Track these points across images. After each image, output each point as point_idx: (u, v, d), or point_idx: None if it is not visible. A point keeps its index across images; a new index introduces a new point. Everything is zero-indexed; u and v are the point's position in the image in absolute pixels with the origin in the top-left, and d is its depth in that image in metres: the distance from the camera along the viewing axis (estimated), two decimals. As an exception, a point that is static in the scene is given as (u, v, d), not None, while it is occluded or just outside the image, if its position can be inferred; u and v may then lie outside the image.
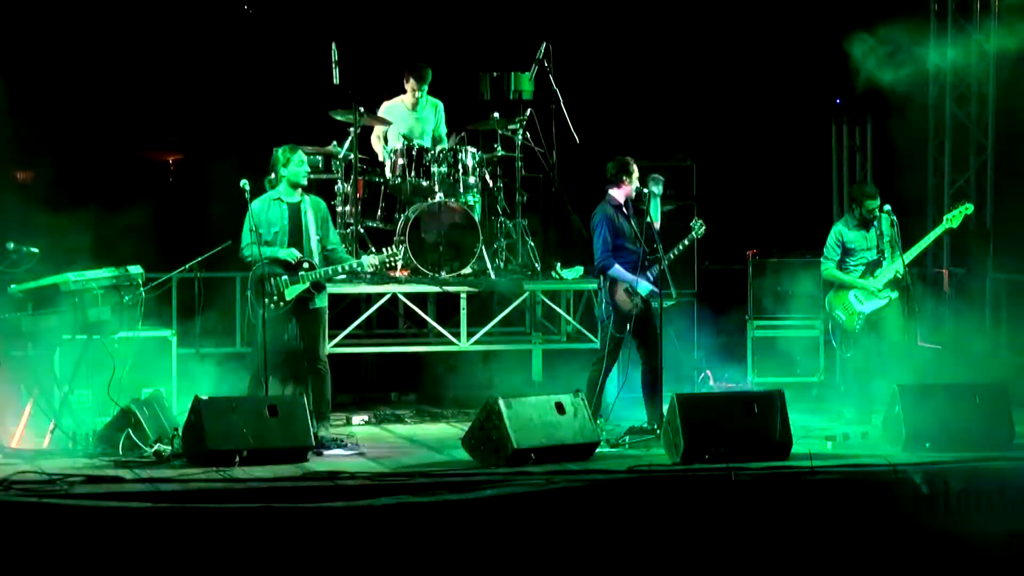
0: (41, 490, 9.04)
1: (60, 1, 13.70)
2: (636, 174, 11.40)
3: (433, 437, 11.60)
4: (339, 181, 12.96)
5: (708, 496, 9.48)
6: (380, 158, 13.23)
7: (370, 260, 11.37)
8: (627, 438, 11.06)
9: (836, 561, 9.33)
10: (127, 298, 11.06)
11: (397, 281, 12.66)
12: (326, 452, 10.62)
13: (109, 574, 8.56)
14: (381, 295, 12.61)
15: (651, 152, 13.60)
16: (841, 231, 12.18)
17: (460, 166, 12.87)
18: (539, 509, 9.19)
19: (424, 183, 12.84)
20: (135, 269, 11.29)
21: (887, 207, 11.96)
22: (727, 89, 14.62)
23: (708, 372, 13.37)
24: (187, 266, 11.69)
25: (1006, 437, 10.59)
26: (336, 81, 12.78)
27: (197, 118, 13.90)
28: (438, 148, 13.01)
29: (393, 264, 12.01)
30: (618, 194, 11.43)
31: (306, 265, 11.03)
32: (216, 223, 12.38)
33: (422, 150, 12.92)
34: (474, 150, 13.03)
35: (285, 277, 11.03)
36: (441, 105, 13.40)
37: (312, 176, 12.81)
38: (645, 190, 11.44)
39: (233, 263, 11.58)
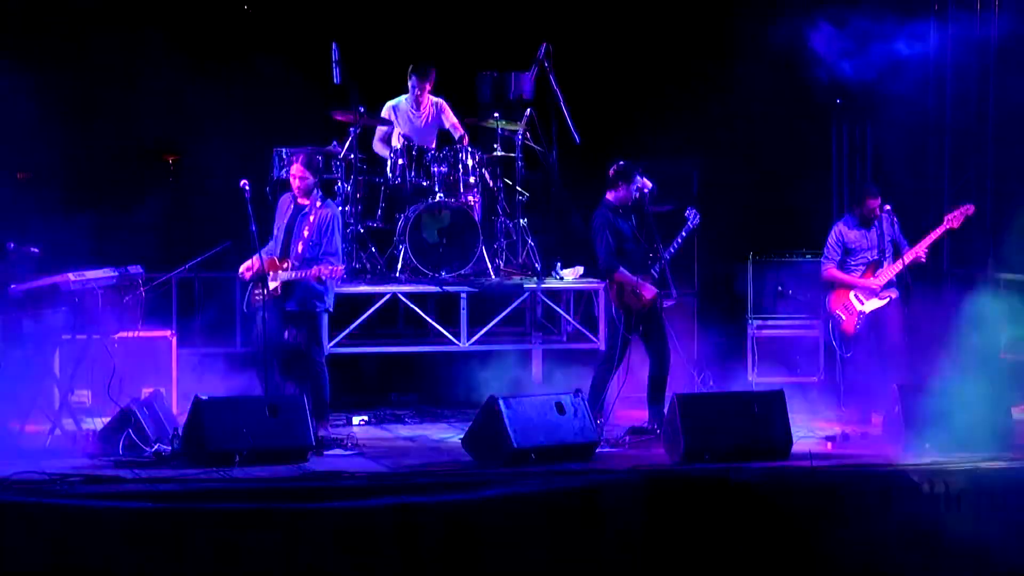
0: (41, 490, 9.03)
1: (60, 1, 13.71)
2: (636, 180, 11.41)
3: (433, 437, 11.60)
4: (339, 181, 12.95)
5: (708, 496, 9.47)
6: (388, 162, 13.21)
7: (325, 271, 11.14)
8: (627, 438, 11.06)
9: (836, 561, 9.33)
10: (127, 298, 11.07)
11: (397, 281, 12.66)
12: (326, 452, 10.62)
13: (109, 574, 8.56)
14: (381, 295, 12.60)
15: (651, 152, 13.60)
16: (842, 231, 12.18)
17: (460, 166, 12.87)
18: (539, 509, 9.19)
19: (424, 183, 12.84)
20: (135, 269, 11.30)
21: (887, 207, 11.96)
22: (727, 89, 14.60)
23: (708, 373, 13.37)
24: (187, 266, 11.70)
25: (1007, 436, 10.60)
26: (336, 81, 12.77)
27: (197, 118, 13.89)
28: (453, 140, 13.00)
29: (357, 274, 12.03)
30: (615, 198, 11.45)
31: (285, 266, 11.06)
32: (216, 223, 12.39)
33: (422, 150, 12.92)
34: (474, 150, 13.03)
35: (271, 273, 11.09)
36: (445, 103, 13.40)
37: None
38: (646, 189, 11.45)
39: (234, 263, 11.58)
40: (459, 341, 12.63)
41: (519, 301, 12.85)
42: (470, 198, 12.90)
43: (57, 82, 13.57)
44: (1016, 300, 12.96)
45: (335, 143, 13.06)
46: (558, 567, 9.08)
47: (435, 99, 13.38)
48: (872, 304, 12.02)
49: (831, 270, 12.17)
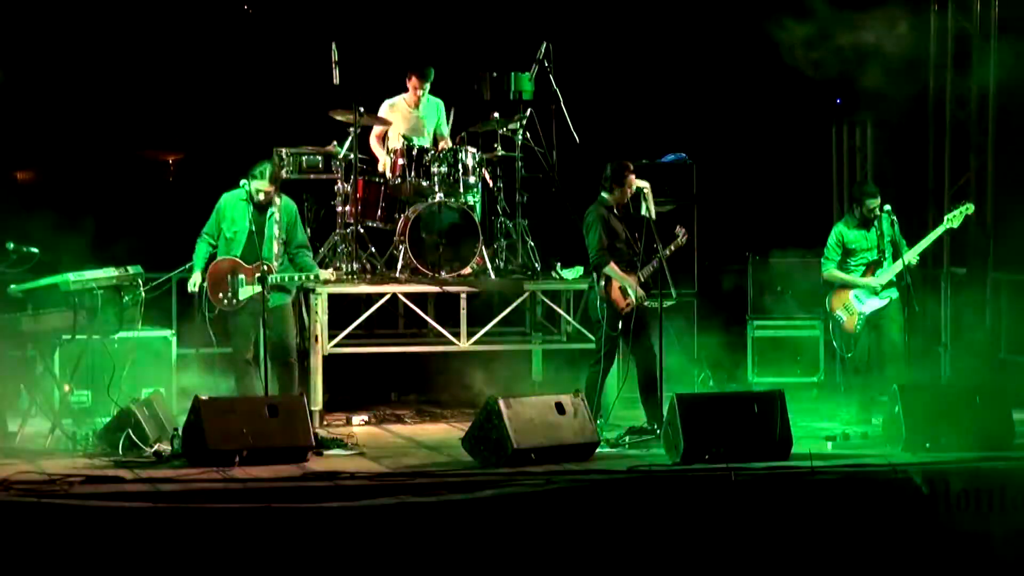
0: (41, 490, 9.04)
1: (60, 0, 13.70)
2: (631, 181, 11.40)
3: (433, 437, 11.60)
4: (339, 181, 12.95)
5: (708, 496, 9.47)
6: (380, 162, 13.23)
7: (325, 274, 11.51)
8: (627, 438, 11.06)
9: (836, 561, 9.33)
10: (127, 298, 11.07)
11: (397, 281, 12.66)
12: (326, 452, 10.62)
13: (109, 574, 8.56)
14: (381, 295, 12.60)
15: (651, 152, 13.61)
16: (841, 231, 12.18)
17: (460, 166, 12.87)
18: (539, 509, 9.19)
19: (424, 183, 12.84)
20: (135, 269, 11.30)
21: (887, 207, 11.95)
22: (727, 89, 14.61)
23: (708, 373, 13.38)
24: (187, 266, 11.70)
25: (1007, 436, 10.61)
26: (336, 81, 12.77)
27: (197, 118, 13.90)
28: (440, 147, 13.03)
29: (346, 276, 12.06)
30: (610, 198, 11.45)
31: (265, 268, 11.09)
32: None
33: (422, 150, 12.92)
34: (474, 150, 13.02)
35: (242, 277, 11.16)
36: (442, 104, 13.41)
37: (312, 176, 12.89)
38: (644, 189, 11.45)
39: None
40: (459, 341, 12.63)
41: (519, 301, 12.85)
42: (470, 198, 12.90)
43: (57, 82, 13.57)
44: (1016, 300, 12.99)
45: (335, 143, 13.06)
46: (558, 567, 9.08)
47: (435, 100, 13.39)
48: (872, 304, 12.01)
49: (831, 270, 12.16)
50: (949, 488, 9.59)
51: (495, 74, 13.61)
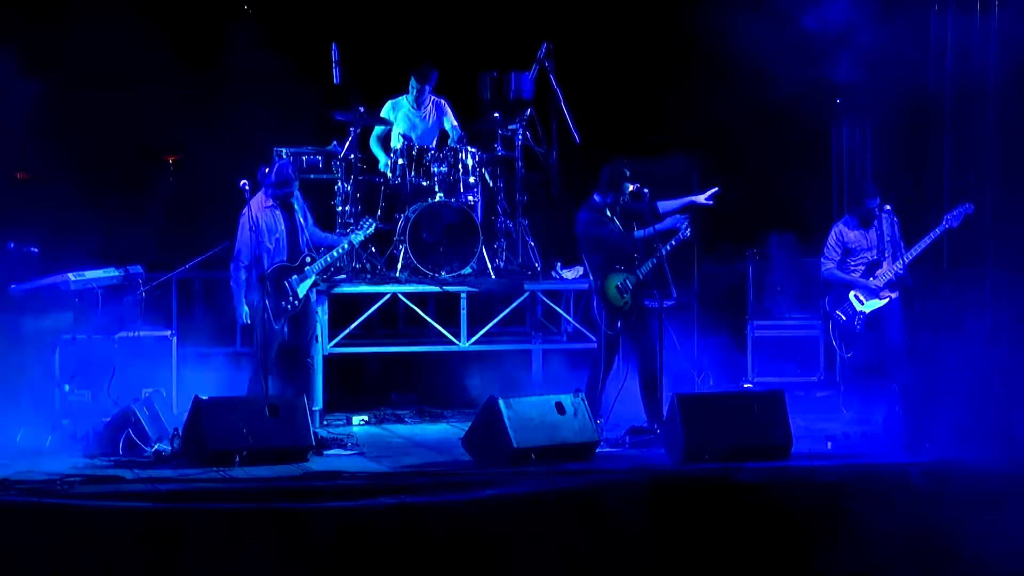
0: (41, 490, 9.04)
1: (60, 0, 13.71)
2: (626, 185, 11.40)
3: (433, 437, 11.60)
4: (339, 181, 12.95)
5: (708, 496, 9.47)
6: (380, 162, 13.23)
7: (357, 237, 11.82)
8: (627, 438, 11.06)
9: (836, 561, 9.33)
10: (127, 298, 11.08)
11: (397, 281, 12.66)
12: (326, 452, 10.62)
13: (109, 574, 8.56)
14: (381, 295, 12.60)
15: (651, 151, 13.60)
16: (841, 231, 12.18)
17: (460, 166, 12.87)
18: (539, 509, 9.19)
19: (424, 183, 12.84)
20: (135, 269, 11.30)
21: (887, 207, 11.96)
22: (727, 88, 14.60)
23: (708, 373, 13.38)
24: (187, 266, 11.71)
25: (1006, 436, 10.60)
26: (336, 81, 12.77)
27: (197, 118, 13.89)
28: (449, 144, 13.03)
29: (372, 231, 12.08)
30: (603, 200, 11.44)
31: (308, 259, 11.26)
32: (216, 223, 12.38)
33: (422, 150, 12.92)
34: (474, 150, 13.03)
35: (295, 277, 11.27)
36: (446, 103, 13.40)
37: (312, 176, 12.90)
38: (645, 189, 11.45)
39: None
40: (459, 341, 12.63)
41: (519, 301, 12.86)
42: (470, 198, 12.90)
43: (57, 82, 13.56)
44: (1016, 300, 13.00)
45: (335, 143, 13.06)
46: (558, 567, 9.08)
47: (436, 98, 13.39)
48: (872, 304, 12.02)
49: (831, 270, 12.16)
50: (949, 488, 9.60)
51: (495, 74, 13.61)
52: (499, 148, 13.31)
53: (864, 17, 13.64)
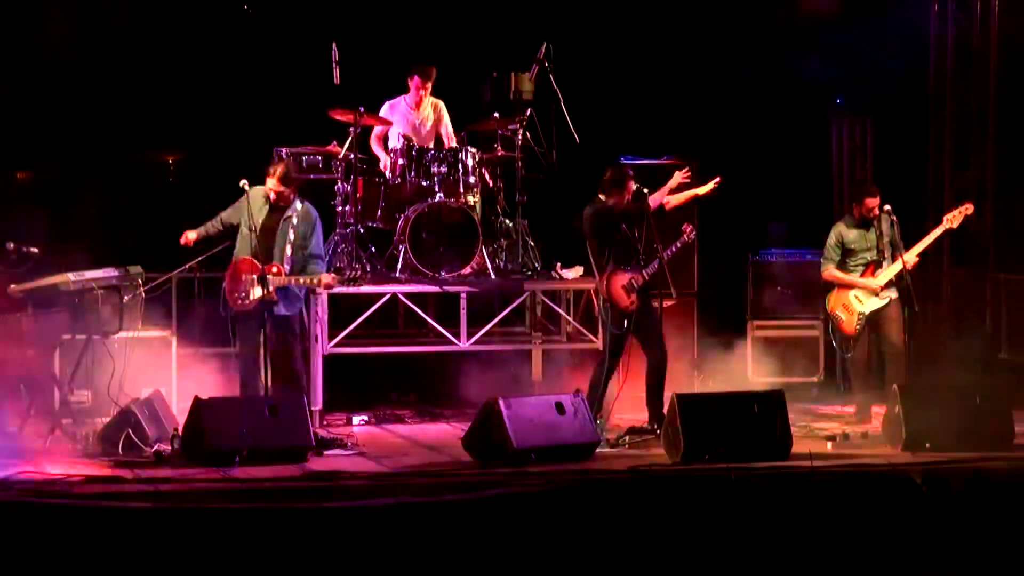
0: (41, 490, 9.04)
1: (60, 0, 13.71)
2: (630, 188, 11.40)
3: (433, 437, 11.60)
4: (339, 181, 12.95)
5: (708, 496, 9.48)
6: (380, 162, 13.23)
7: (327, 278, 11.10)
8: (627, 438, 11.07)
9: (836, 561, 9.33)
10: (127, 298, 11.08)
11: (397, 281, 12.66)
12: (326, 452, 10.62)
13: (109, 574, 8.56)
14: (381, 295, 12.60)
15: (651, 151, 13.60)
16: (841, 231, 12.18)
17: (460, 166, 12.87)
18: (539, 509, 9.19)
19: (424, 183, 12.84)
20: (135, 269, 11.30)
21: (887, 207, 11.96)
22: (727, 88, 14.61)
23: (708, 373, 13.38)
24: (187, 266, 11.70)
25: (1007, 436, 10.62)
26: (336, 81, 12.77)
27: (197, 118, 13.90)
28: (445, 147, 13.01)
29: (352, 281, 11.83)
30: (607, 202, 11.44)
31: (275, 270, 10.95)
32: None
33: (422, 150, 12.92)
34: (474, 150, 13.02)
35: (255, 276, 10.95)
36: (443, 105, 13.40)
37: (312, 176, 12.88)
38: (645, 189, 11.46)
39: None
40: (459, 341, 12.63)
41: (519, 301, 12.86)
42: (470, 198, 12.90)
43: (57, 81, 13.57)
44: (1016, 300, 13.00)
45: (335, 143, 13.05)
46: (558, 567, 9.08)
47: (435, 100, 13.39)
48: (872, 304, 12.01)
49: (831, 270, 12.16)
50: (949, 488, 9.60)
51: (495, 74, 13.61)
52: (499, 148, 13.31)
53: (864, 16, 13.66)
